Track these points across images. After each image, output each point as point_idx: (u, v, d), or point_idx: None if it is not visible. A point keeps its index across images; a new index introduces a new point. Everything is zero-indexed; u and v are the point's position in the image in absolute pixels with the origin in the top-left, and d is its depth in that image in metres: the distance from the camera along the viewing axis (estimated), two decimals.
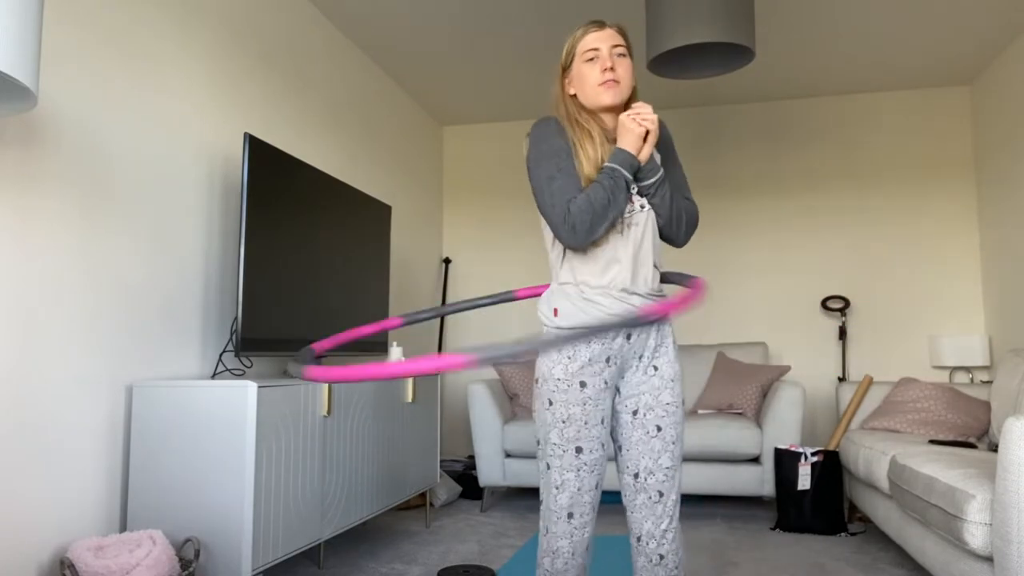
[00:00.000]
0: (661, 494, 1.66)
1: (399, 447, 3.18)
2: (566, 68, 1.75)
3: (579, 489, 1.62)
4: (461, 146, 5.29)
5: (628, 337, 1.65)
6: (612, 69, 1.66)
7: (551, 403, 1.63)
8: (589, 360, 1.63)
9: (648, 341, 1.68)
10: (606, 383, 1.64)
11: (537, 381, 1.68)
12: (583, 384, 1.62)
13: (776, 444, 3.56)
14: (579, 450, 1.62)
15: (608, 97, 1.67)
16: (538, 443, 1.70)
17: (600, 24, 1.71)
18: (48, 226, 2.08)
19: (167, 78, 2.58)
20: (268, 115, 3.17)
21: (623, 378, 1.69)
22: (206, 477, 2.21)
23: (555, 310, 1.68)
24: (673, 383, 1.69)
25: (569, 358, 1.63)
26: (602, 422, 1.64)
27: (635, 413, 1.67)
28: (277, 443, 2.31)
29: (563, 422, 1.62)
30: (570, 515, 1.63)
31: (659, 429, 1.67)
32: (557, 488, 1.63)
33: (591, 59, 1.68)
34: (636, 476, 1.67)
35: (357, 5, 3.52)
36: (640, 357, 1.68)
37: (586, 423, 1.62)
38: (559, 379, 1.63)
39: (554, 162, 1.64)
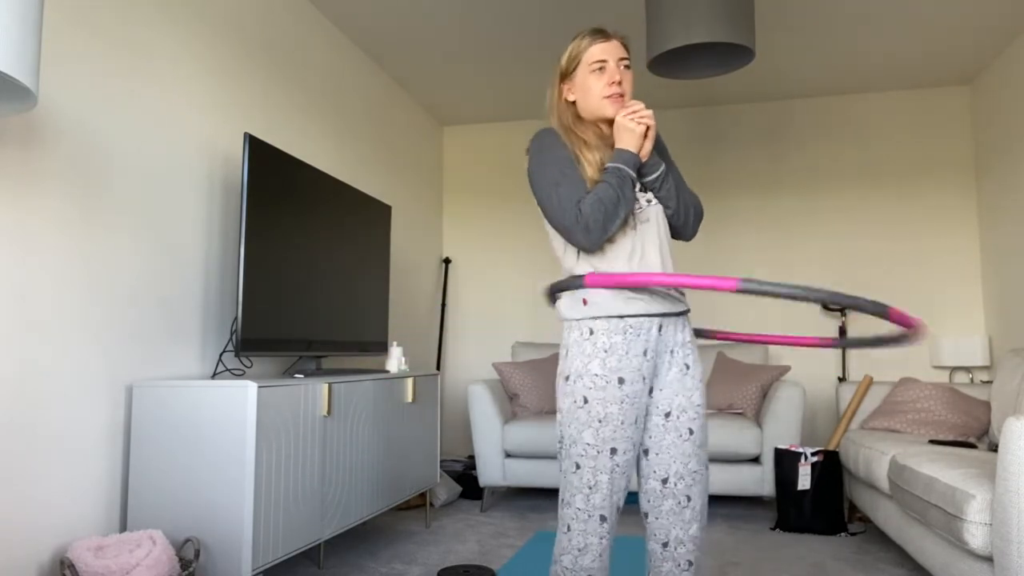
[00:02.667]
0: (689, 499, 1.63)
1: (399, 447, 3.18)
2: (567, 75, 1.74)
3: (611, 491, 1.59)
4: (461, 146, 5.29)
5: (660, 329, 1.63)
6: (619, 83, 1.67)
7: (586, 401, 1.59)
8: (627, 352, 1.59)
9: (676, 335, 1.66)
10: (644, 379, 1.60)
11: (568, 378, 1.63)
12: (621, 380, 1.58)
13: (776, 444, 3.56)
14: (613, 451, 1.58)
15: (612, 110, 1.67)
16: (561, 440, 1.64)
17: (605, 35, 1.70)
18: (48, 226, 2.08)
19: (167, 78, 2.58)
20: (268, 115, 3.17)
21: (657, 375, 1.65)
22: (206, 477, 2.21)
23: (584, 300, 1.63)
24: (702, 383, 1.68)
25: (606, 351, 1.59)
26: (636, 421, 1.60)
27: (668, 415, 1.64)
28: (277, 443, 2.31)
29: (599, 421, 1.58)
30: (603, 517, 1.59)
31: (691, 432, 1.64)
32: (591, 488, 1.58)
33: (598, 70, 1.68)
34: (665, 481, 1.63)
35: (358, 5, 3.52)
36: (671, 352, 1.65)
37: (622, 423, 1.58)
38: (596, 375, 1.58)
39: (557, 169, 1.63)
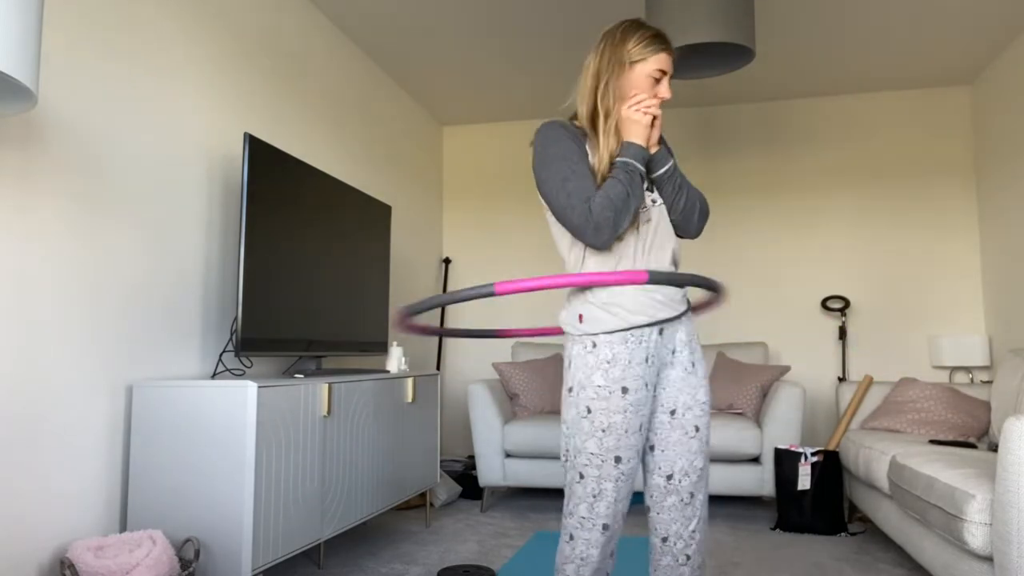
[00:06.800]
0: (692, 495, 1.63)
1: (399, 447, 3.18)
2: (625, 61, 1.63)
3: (616, 499, 1.59)
4: (461, 146, 5.29)
5: (660, 332, 1.63)
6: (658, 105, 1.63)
7: (589, 411, 1.58)
8: (629, 362, 1.57)
9: (677, 334, 1.65)
10: (647, 385, 1.60)
11: (571, 390, 1.62)
12: (625, 390, 1.57)
13: (776, 444, 3.56)
14: (618, 460, 1.58)
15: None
16: (566, 451, 1.64)
17: (670, 47, 1.65)
18: (48, 226, 2.08)
19: (167, 78, 2.58)
20: (268, 115, 3.17)
21: (659, 376, 1.65)
22: (206, 477, 2.21)
23: (580, 316, 1.62)
24: (706, 380, 1.68)
25: (608, 363, 1.57)
26: (640, 429, 1.59)
27: (673, 413, 1.64)
28: (277, 443, 2.31)
29: (603, 431, 1.57)
30: (605, 525, 1.59)
31: (697, 429, 1.64)
32: (595, 497, 1.58)
33: (656, 80, 1.63)
34: (669, 478, 1.63)
35: (358, 5, 3.52)
36: (673, 352, 1.65)
37: (626, 431, 1.57)
38: (600, 386, 1.57)
39: (566, 164, 1.58)
